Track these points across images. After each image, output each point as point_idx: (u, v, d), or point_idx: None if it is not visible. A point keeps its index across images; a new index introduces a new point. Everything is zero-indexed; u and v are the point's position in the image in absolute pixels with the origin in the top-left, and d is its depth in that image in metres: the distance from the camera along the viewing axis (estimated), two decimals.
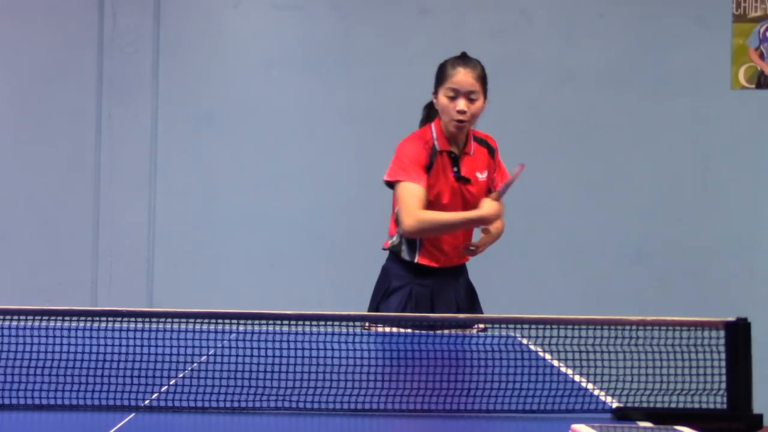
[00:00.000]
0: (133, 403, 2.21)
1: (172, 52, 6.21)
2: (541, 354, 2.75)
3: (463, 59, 3.91)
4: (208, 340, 2.61)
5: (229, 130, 6.21)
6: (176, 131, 6.21)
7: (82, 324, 2.35)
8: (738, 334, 2.27)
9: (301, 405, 2.24)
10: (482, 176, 3.93)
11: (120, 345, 2.51)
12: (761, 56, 6.18)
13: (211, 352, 2.60)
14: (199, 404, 2.21)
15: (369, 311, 3.95)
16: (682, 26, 6.20)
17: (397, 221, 3.87)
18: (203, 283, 6.17)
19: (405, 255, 3.91)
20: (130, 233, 6.16)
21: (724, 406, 2.27)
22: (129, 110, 6.16)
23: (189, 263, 6.20)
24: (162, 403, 2.22)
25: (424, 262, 3.90)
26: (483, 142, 3.98)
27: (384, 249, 3.99)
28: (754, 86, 6.19)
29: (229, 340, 2.56)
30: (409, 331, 3.52)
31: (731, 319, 2.30)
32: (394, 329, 3.56)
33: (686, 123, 6.21)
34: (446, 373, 2.54)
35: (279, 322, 2.43)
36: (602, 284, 6.17)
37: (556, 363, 2.77)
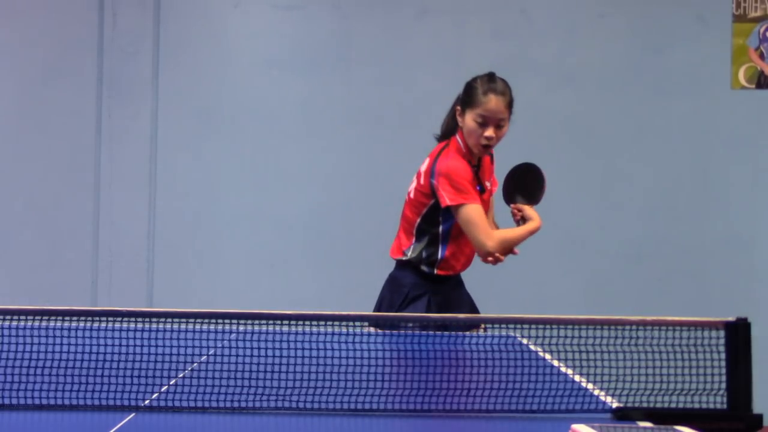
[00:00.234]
0: (133, 403, 2.21)
1: (172, 52, 6.21)
2: (541, 354, 2.75)
3: (495, 84, 3.86)
4: (208, 340, 2.61)
5: (229, 130, 6.21)
6: (176, 131, 6.21)
7: (82, 324, 2.35)
8: (738, 334, 2.27)
9: (301, 405, 2.24)
10: (489, 184, 3.97)
11: (120, 345, 2.51)
12: (761, 56, 6.18)
13: (211, 352, 2.60)
14: (199, 404, 2.21)
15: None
16: (682, 26, 6.20)
17: (438, 237, 3.87)
18: (203, 283, 6.17)
19: (424, 268, 3.92)
20: (130, 233, 6.16)
21: (724, 406, 2.27)
22: (129, 110, 6.16)
23: (189, 263, 6.20)
24: (162, 403, 2.22)
25: (442, 273, 3.92)
26: None
27: (396, 259, 3.98)
28: (754, 86, 6.19)
29: (229, 340, 2.56)
30: (416, 332, 3.53)
31: (731, 319, 2.30)
32: (406, 330, 3.57)
33: (686, 123, 6.21)
34: (446, 373, 2.54)
35: (279, 322, 2.43)
36: (602, 284, 6.17)
37: (556, 363, 2.77)
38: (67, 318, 2.31)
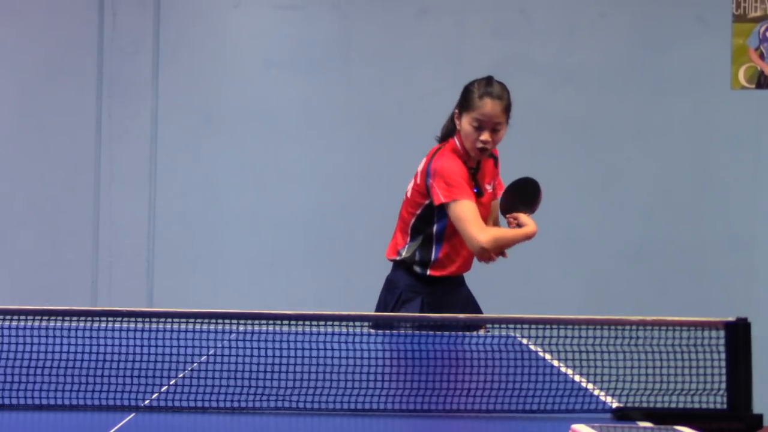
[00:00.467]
0: (133, 403, 2.21)
1: (172, 52, 6.21)
2: (541, 354, 2.75)
3: (491, 88, 3.85)
4: (208, 340, 2.61)
5: (229, 129, 6.21)
6: (176, 131, 6.21)
7: (82, 324, 2.35)
8: (738, 334, 2.27)
9: (301, 405, 2.24)
10: (490, 187, 3.97)
11: (120, 345, 2.51)
12: (761, 56, 6.18)
13: (211, 352, 2.60)
14: (199, 404, 2.21)
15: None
16: (682, 26, 6.20)
17: (433, 237, 3.87)
18: (203, 283, 6.17)
19: (417, 268, 3.92)
20: (130, 233, 6.16)
21: (724, 406, 2.27)
22: (129, 110, 6.16)
23: (189, 263, 6.20)
24: (162, 403, 2.22)
25: (435, 273, 3.91)
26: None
27: (391, 260, 3.98)
28: (754, 86, 6.19)
29: (229, 340, 2.56)
30: (413, 332, 3.52)
31: (731, 319, 2.30)
32: (403, 330, 3.56)
33: (686, 123, 6.21)
34: (446, 373, 2.54)
35: (279, 322, 2.43)
36: (602, 284, 6.17)
37: (556, 363, 2.77)
38: (67, 318, 2.31)
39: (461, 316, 3.68)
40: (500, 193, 3.99)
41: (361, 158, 6.14)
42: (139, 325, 2.53)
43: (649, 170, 6.21)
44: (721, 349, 2.31)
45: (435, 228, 3.88)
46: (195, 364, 2.48)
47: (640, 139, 6.21)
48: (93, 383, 2.27)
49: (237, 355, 2.40)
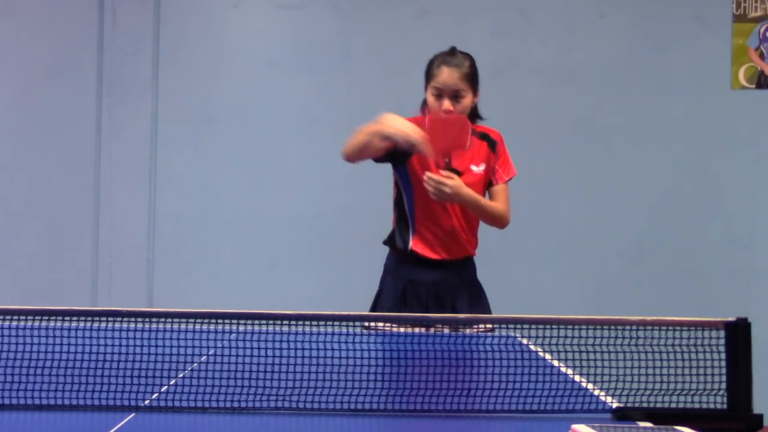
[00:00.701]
0: (133, 403, 2.20)
1: (172, 52, 6.21)
2: (541, 354, 2.75)
3: (450, 57, 3.87)
4: (208, 340, 2.61)
5: (229, 129, 6.21)
6: (176, 131, 6.21)
7: (82, 324, 2.35)
8: (738, 334, 2.27)
9: (301, 405, 2.23)
10: (478, 169, 3.88)
11: (120, 345, 2.51)
12: (761, 56, 6.18)
13: (211, 352, 2.60)
14: (199, 404, 2.21)
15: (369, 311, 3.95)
16: (682, 26, 6.20)
17: (404, 201, 3.88)
18: (203, 283, 6.17)
19: (398, 242, 3.91)
20: (130, 233, 6.16)
21: (724, 406, 2.27)
22: (129, 110, 6.16)
23: (189, 263, 6.20)
24: (162, 403, 2.22)
25: (419, 249, 3.89)
26: (483, 135, 3.94)
27: (387, 245, 3.99)
28: (754, 86, 6.19)
29: (229, 340, 2.56)
30: (408, 330, 3.50)
31: (731, 319, 2.30)
32: (393, 329, 3.54)
33: (686, 123, 6.21)
34: (446, 373, 2.54)
35: (279, 322, 2.43)
36: (602, 284, 6.17)
37: (556, 363, 2.77)
38: (67, 318, 2.30)
39: (461, 316, 3.69)
40: (498, 179, 3.94)
41: None
42: (139, 325, 2.53)
43: (648, 170, 6.21)
44: (721, 349, 2.31)
45: (404, 192, 3.89)
46: (195, 364, 2.48)
47: (640, 139, 6.21)
48: (93, 383, 2.27)
49: (237, 355, 2.40)
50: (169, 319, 2.31)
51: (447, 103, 3.81)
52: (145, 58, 6.16)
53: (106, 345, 2.44)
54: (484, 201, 3.86)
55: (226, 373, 2.35)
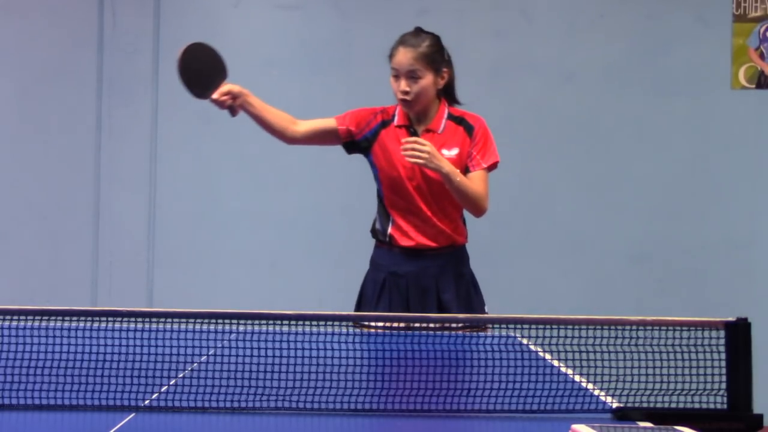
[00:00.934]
0: (133, 403, 2.21)
1: (172, 52, 6.18)
2: (541, 354, 2.75)
3: (408, 37, 3.83)
4: (208, 340, 2.61)
5: (229, 130, 6.19)
6: (176, 131, 6.20)
7: (82, 324, 2.35)
8: (738, 334, 2.27)
9: (301, 405, 2.24)
10: (450, 153, 3.79)
11: (120, 345, 2.51)
12: (761, 56, 6.18)
13: (211, 352, 2.60)
14: (199, 404, 2.21)
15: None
16: (682, 26, 6.20)
17: (380, 191, 3.93)
18: (203, 283, 6.17)
19: (379, 231, 3.92)
20: (130, 233, 6.16)
21: (724, 406, 2.27)
22: (129, 110, 6.16)
23: (189, 263, 6.20)
24: (162, 403, 2.22)
25: (396, 237, 3.86)
26: (460, 120, 3.86)
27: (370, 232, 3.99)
28: (754, 86, 6.19)
29: (229, 340, 2.56)
30: (397, 331, 3.45)
31: (731, 319, 2.30)
32: (380, 329, 3.50)
33: (686, 123, 6.21)
34: (446, 373, 2.54)
35: (279, 322, 2.43)
36: (602, 284, 6.17)
37: (556, 363, 2.77)
38: (67, 318, 2.30)
39: (461, 316, 3.68)
40: (474, 167, 3.83)
41: (361, 158, 6.11)
42: (139, 325, 2.53)
43: (649, 170, 6.21)
44: (721, 349, 2.31)
45: (378, 182, 3.94)
46: (195, 364, 2.48)
47: (640, 139, 6.21)
48: (93, 383, 2.27)
49: (237, 355, 2.40)
50: (169, 319, 2.31)
51: (403, 84, 3.79)
52: (145, 58, 6.16)
53: (106, 345, 2.45)
54: (462, 177, 3.74)
55: (226, 373, 2.35)
